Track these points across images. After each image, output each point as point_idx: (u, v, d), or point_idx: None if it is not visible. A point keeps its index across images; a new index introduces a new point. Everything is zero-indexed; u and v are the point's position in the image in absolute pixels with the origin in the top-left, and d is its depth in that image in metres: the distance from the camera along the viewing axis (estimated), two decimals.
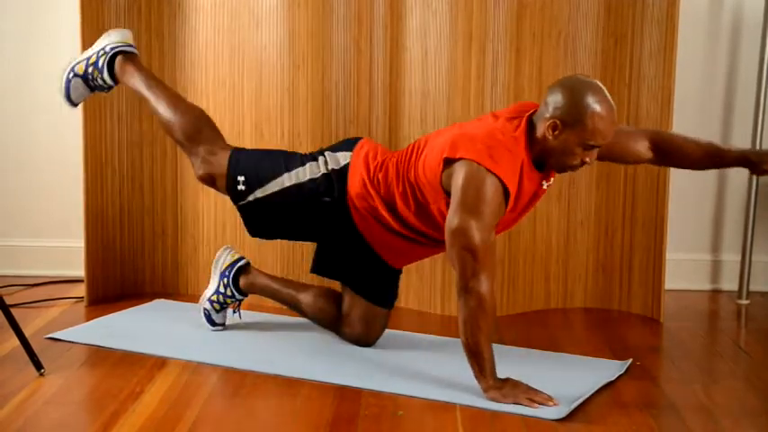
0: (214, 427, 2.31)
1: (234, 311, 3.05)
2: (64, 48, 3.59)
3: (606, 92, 2.45)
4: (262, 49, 3.30)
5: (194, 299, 3.41)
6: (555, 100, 2.45)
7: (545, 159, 2.52)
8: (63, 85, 2.93)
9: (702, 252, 3.72)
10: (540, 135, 2.48)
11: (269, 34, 3.29)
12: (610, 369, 2.71)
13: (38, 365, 2.61)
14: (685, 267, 3.67)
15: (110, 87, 2.92)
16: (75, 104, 2.96)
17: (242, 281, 2.98)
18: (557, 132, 2.44)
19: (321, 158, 2.76)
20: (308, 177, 2.72)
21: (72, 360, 2.75)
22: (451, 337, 3.03)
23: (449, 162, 2.48)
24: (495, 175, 2.41)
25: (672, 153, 2.72)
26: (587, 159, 2.48)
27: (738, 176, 3.66)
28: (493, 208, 2.42)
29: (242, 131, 3.35)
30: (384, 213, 2.66)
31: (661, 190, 3.25)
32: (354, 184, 2.68)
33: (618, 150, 2.68)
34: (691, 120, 3.61)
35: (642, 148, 2.71)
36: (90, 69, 2.88)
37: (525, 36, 3.21)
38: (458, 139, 2.50)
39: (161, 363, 2.74)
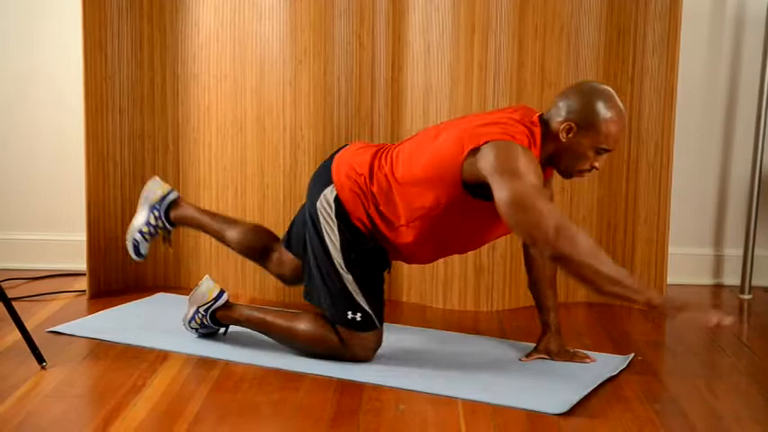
0: (216, 420, 2.31)
1: (164, 241, 3.09)
2: (66, 42, 3.59)
3: (618, 99, 2.50)
4: (264, 43, 3.30)
5: None
6: (569, 103, 2.49)
7: (555, 161, 2.55)
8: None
9: (705, 247, 3.72)
10: (553, 134, 2.50)
11: (271, 27, 3.28)
12: (612, 363, 2.71)
13: (39, 359, 2.62)
14: (687, 262, 3.67)
15: (226, 329, 2.91)
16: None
17: (173, 213, 3.03)
18: (571, 135, 2.48)
19: (322, 221, 2.67)
20: (341, 249, 2.64)
21: (74, 353, 2.75)
22: (453, 331, 3.03)
23: (473, 151, 2.45)
24: (523, 147, 2.42)
25: (530, 260, 2.80)
26: (596, 164, 2.52)
27: (741, 171, 3.65)
28: (533, 169, 2.39)
29: (244, 125, 3.35)
30: (383, 225, 2.63)
31: (663, 184, 3.24)
32: (353, 210, 2.65)
33: None
34: (693, 113, 3.61)
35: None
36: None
37: (528, 29, 3.20)
38: (475, 129, 2.49)
39: (163, 356, 2.74)
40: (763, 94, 3.49)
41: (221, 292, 2.83)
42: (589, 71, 3.29)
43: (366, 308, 2.65)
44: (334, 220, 2.65)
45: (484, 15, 3.16)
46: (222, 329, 2.88)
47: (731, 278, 3.69)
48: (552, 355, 2.74)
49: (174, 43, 3.41)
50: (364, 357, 2.68)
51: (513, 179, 2.35)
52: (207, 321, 2.84)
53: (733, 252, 3.69)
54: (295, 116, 3.30)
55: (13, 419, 2.28)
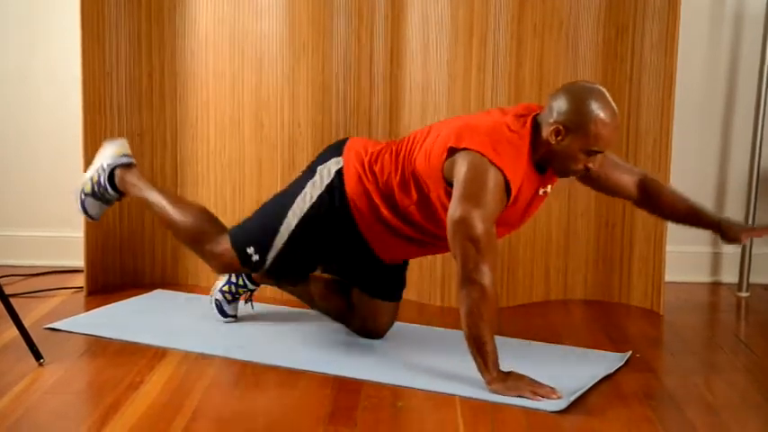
0: (214, 417, 2.31)
1: (246, 302, 3.04)
2: (66, 41, 3.57)
3: (610, 98, 2.45)
4: (262, 39, 3.29)
5: (194, 289, 3.41)
6: (558, 105, 2.46)
7: (548, 163, 2.52)
8: (79, 206, 2.96)
9: (702, 244, 3.72)
10: (544, 138, 2.48)
11: (269, 24, 3.28)
12: (609, 361, 2.71)
13: (37, 355, 2.61)
14: (685, 259, 3.67)
15: (119, 198, 2.94)
16: (96, 218, 3.00)
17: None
18: (560, 138, 2.45)
19: (313, 178, 2.70)
20: (308, 206, 2.67)
21: (72, 350, 2.75)
22: (451, 328, 3.03)
23: (452, 152, 2.47)
24: (497, 167, 2.41)
25: (656, 200, 2.75)
26: (590, 165, 2.49)
27: (739, 168, 3.65)
28: (495, 198, 2.41)
29: (242, 121, 3.35)
30: (383, 209, 2.62)
31: (662, 181, 3.24)
32: (351, 184, 2.64)
33: (613, 183, 2.72)
34: (692, 110, 3.61)
35: (632, 185, 2.74)
36: (96, 188, 2.92)
37: (526, 27, 3.20)
38: (463, 129, 2.50)
39: (161, 353, 2.73)
40: (761, 91, 3.48)
41: (130, 158, 2.92)
42: (588, 69, 3.29)
43: (272, 257, 2.69)
44: (324, 187, 2.66)
45: (482, 13, 3.15)
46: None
47: (729, 275, 3.69)
48: (739, 234, 2.66)
49: (173, 40, 3.41)
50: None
51: (470, 202, 2.40)
52: (104, 180, 2.88)
53: (731, 249, 3.68)
54: (293, 113, 3.30)
55: (11, 416, 2.28)
